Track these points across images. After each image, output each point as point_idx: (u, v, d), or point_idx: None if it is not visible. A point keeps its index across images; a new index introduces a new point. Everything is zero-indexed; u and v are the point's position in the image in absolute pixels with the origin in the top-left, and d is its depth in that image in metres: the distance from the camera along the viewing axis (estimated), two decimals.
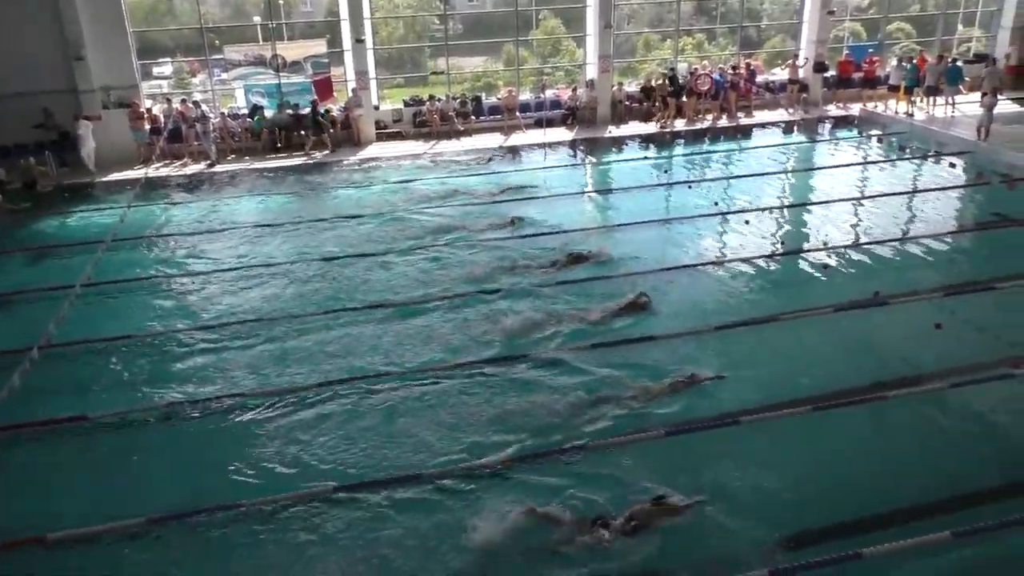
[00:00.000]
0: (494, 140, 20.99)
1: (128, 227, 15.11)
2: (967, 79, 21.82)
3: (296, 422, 8.45)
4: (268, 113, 20.88)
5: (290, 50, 21.59)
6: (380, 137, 21.42)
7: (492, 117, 22.20)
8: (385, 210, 15.66)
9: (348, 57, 21.20)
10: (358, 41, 20.40)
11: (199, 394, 9.05)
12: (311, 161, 19.80)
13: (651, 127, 21.64)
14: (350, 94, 20.98)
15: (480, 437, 8.04)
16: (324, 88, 20.81)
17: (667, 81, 21.76)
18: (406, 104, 22.20)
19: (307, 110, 20.36)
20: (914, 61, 21.40)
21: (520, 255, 12.75)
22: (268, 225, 15.15)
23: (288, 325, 10.74)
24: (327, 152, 20.33)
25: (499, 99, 22.51)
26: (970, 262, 12.62)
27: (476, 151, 20.07)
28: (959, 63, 21.36)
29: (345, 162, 19.71)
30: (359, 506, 7.13)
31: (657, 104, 21.97)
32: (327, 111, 21.13)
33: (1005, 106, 20.32)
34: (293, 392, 8.97)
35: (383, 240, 13.96)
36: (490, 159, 19.51)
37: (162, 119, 20.14)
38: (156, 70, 23.63)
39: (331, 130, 20.75)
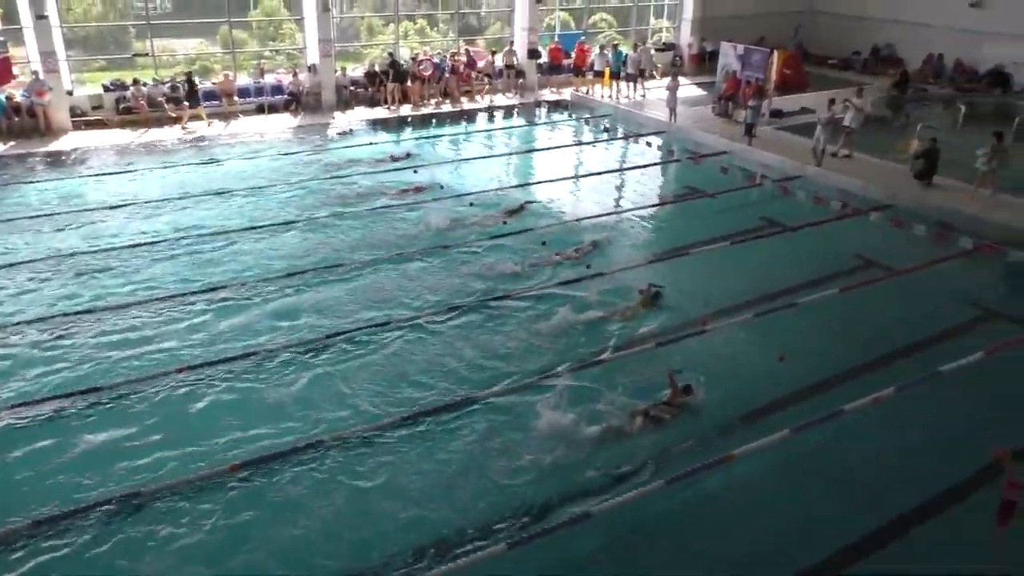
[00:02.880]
0: (212, 128, 19.69)
1: None
2: (659, 65, 24.34)
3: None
4: None
5: None
6: (77, 126, 19.21)
7: (209, 103, 20.78)
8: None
9: (30, 35, 18.68)
10: (40, 18, 18.04)
11: None
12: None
13: (377, 112, 21.55)
14: (32, 76, 18.51)
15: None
16: (1, 70, 18.17)
17: (387, 66, 21.83)
18: (106, 89, 20.07)
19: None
20: (618, 48, 23.36)
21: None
22: None
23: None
24: (12, 144, 17.87)
25: (215, 84, 21.15)
26: (669, 231, 14.05)
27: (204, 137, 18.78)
28: (652, 51, 23.71)
29: (35, 154, 17.44)
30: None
31: (381, 89, 21.96)
32: (9, 97, 18.53)
33: (689, 90, 22.92)
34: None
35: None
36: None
37: None
38: None
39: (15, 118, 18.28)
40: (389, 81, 21.79)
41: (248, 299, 10.74)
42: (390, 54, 22.54)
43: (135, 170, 16.46)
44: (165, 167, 16.73)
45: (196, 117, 19.94)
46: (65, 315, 10.20)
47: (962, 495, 7.31)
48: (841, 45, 27.37)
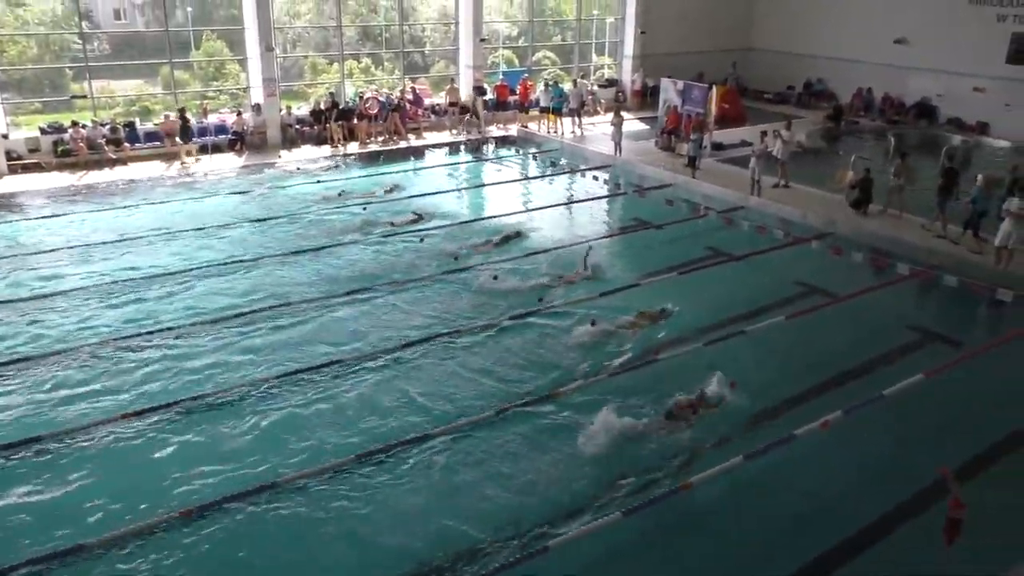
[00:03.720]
0: (155, 169, 19.39)
1: None
2: (602, 101, 24.83)
3: None
4: None
5: None
6: (13, 169, 18.71)
7: (151, 144, 20.49)
8: None
9: None
10: None
11: None
12: None
13: (324, 151, 21.50)
14: None
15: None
16: None
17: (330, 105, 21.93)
18: (43, 132, 19.61)
19: None
20: (560, 85, 23.79)
21: None
22: None
23: None
24: None
25: (156, 125, 20.86)
26: (618, 263, 14.17)
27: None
28: (595, 87, 24.20)
29: None
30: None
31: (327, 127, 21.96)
32: None
33: (633, 124, 23.39)
34: None
35: None
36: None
37: None
38: None
39: None
40: (332, 120, 21.80)
41: (197, 341, 10.53)
42: (331, 94, 22.58)
43: (76, 213, 16.09)
44: (106, 209, 16.39)
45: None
46: (3, 364, 9.87)
47: (914, 511, 7.51)
48: (776, 80, 28.34)
